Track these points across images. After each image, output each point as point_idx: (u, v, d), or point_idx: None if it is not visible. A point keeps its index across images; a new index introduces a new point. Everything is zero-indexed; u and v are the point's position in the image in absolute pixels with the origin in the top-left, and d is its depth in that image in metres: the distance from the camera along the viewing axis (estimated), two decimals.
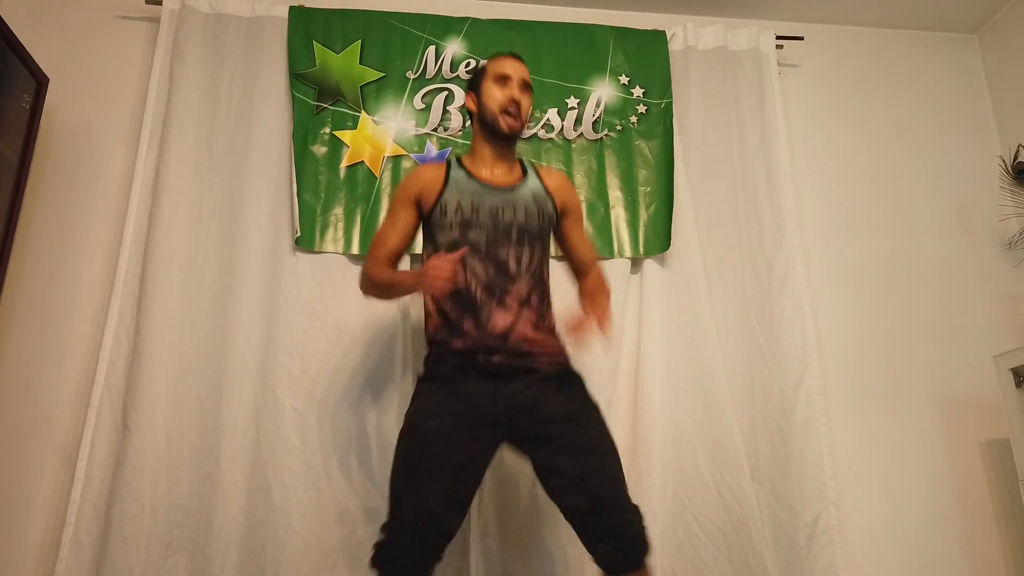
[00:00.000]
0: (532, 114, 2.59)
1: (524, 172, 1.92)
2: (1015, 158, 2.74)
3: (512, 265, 1.78)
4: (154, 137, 2.43)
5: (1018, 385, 2.26)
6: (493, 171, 1.89)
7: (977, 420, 2.55)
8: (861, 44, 3.03)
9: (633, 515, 1.66)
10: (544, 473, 1.71)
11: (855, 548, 2.35)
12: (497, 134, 1.87)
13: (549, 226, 1.89)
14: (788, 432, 2.39)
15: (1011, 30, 2.91)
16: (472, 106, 1.92)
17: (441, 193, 1.83)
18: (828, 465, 2.36)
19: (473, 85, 1.94)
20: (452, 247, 1.78)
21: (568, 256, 2.02)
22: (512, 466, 2.25)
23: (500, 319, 1.74)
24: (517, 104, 1.85)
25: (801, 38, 2.87)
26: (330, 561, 2.09)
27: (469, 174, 1.87)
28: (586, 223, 2.50)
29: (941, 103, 2.98)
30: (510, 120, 1.85)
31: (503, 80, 1.88)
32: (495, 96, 1.86)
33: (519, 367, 1.73)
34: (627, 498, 1.68)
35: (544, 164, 2.54)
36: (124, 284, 2.27)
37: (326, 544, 2.10)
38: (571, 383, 1.80)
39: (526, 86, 1.90)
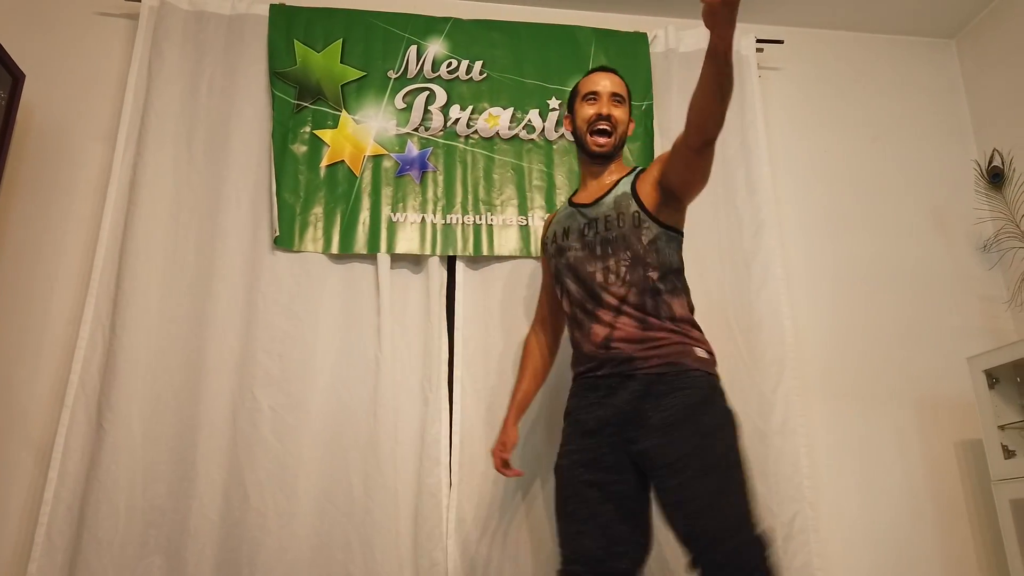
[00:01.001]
0: (514, 114, 2.60)
1: (619, 180, 1.89)
2: (990, 162, 2.77)
3: (600, 277, 1.78)
4: (132, 135, 2.42)
5: (991, 387, 2.29)
6: (588, 190, 1.92)
7: (952, 420, 2.58)
8: (840, 48, 3.06)
9: (742, 548, 1.49)
10: (655, 495, 1.63)
11: (831, 548, 2.37)
12: (590, 154, 1.90)
13: (636, 223, 1.79)
14: (766, 432, 2.40)
15: (988, 35, 2.94)
16: (569, 127, 1.98)
17: (547, 231, 2.00)
18: (805, 465, 2.38)
19: (569, 107, 2.00)
20: (555, 276, 1.91)
21: (681, 171, 1.75)
22: (491, 465, 2.26)
23: (598, 331, 1.75)
24: (606, 117, 1.87)
25: (781, 41, 2.89)
26: (306, 562, 2.08)
27: (570, 202, 1.96)
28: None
29: (919, 107, 3.01)
30: (599, 139, 1.87)
31: (592, 97, 1.90)
32: (584, 115, 1.90)
33: (624, 374, 1.69)
34: (734, 526, 1.50)
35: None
36: (100, 282, 2.25)
37: (302, 545, 2.09)
38: (676, 384, 1.64)
39: (617, 99, 1.90)
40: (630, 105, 1.96)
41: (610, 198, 1.85)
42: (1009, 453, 2.22)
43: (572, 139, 2.57)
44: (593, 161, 1.91)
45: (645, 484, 1.67)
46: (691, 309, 1.84)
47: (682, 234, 1.87)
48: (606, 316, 1.75)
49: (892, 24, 3.07)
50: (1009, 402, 2.28)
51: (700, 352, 1.71)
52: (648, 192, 1.81)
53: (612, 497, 1.65)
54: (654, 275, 1.75)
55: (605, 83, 1.90)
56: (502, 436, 1.99)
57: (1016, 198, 2.60)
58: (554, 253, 1.92)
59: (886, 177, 2.88)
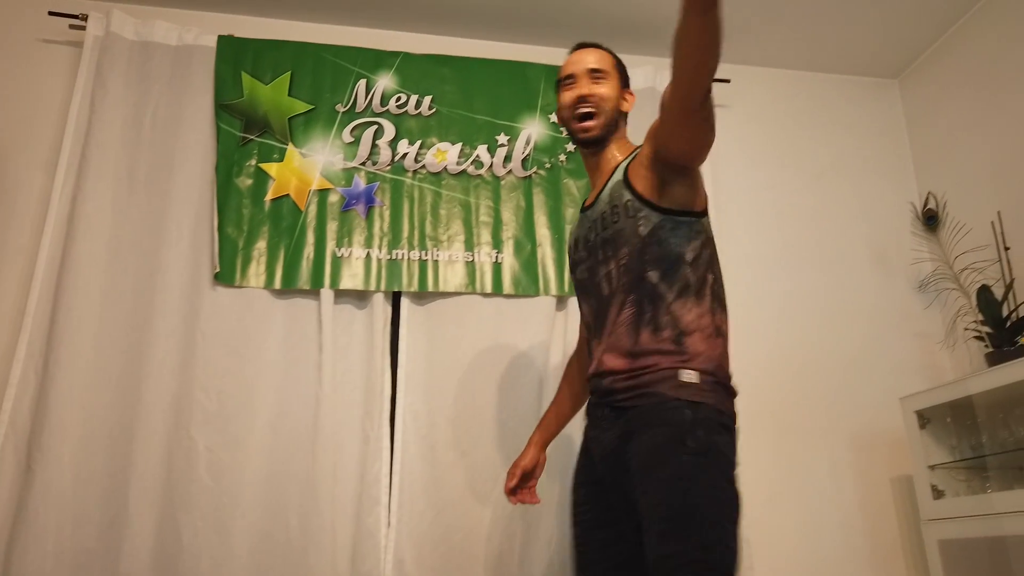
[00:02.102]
0: (462, 149, 2.61)
1: (617, 167, 1.61)
2: (925, 205, 2.84)
3: (605, 288, 1.54)
4: (72, 165, 2.38)
5: (922, 427, 2.34)
6: (594, 188, 1.67)
7: (887, 456, 2.63)
8: (787, 86, 3.12)
9: None
10: None
11: None
12: (580, 143, 1.66)
13: (630, 214, 1.52)
14: None
15: (930, 76, 3.02)
16: (561, 123, 1.72)
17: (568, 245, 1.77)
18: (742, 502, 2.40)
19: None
20: (575, 290, 1.70)
21: (682, 134, 1.46)
22: (431, 504, 2.25)
23: (597, 354, 1.54)
24: (586, 98, 1.61)
25: (728, 80, 2.94)
26: None
27: (583, 207, 1.70)
28: (512, 260, 2.52)
29: (862, 146, 3.07)
30: (583, 123, 1.62)
31: (570, 81, 1.66)
32: (564, 102, 1.66)
33: (614, 406, 1.49)
34: None
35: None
36: (34, 317, 2.21)
37: None
38: (651, 420, 1.41)
39: (597, 74, 1.63)
40: (624, 76, 1.69)
41: (606, 193, 1.59)
42: (939, 493, 2.27)
43: (521, 175, 2.62)
44: (588, 150, 1.66)
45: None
46: (716, 301, 1.53)
47: (699, 214, 1.54)
48: (607, 333, 1.52)
49: (837, 63, 3.14)
50: (940, 442, 2.34)
51: (686, 376, 1.42)
52: (642, 174, 1.52)
53: (623, 544, 1.50)
54: (654, 275, 1.48)
55: (583, 60, 1.65)
56: (518, 458, 1.81)
57: (950, 241, 2.67)
58: (573, 266, 1.69)
59: (829, 214, 2.94)
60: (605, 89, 1.63)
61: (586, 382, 1.65)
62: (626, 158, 1.61)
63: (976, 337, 2.48)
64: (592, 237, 1.60)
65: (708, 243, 1.56)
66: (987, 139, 2.68)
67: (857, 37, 2.97)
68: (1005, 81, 2.63)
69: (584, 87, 1.62)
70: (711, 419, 1.40)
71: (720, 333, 1.52)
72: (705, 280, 1.52)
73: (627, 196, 1.53)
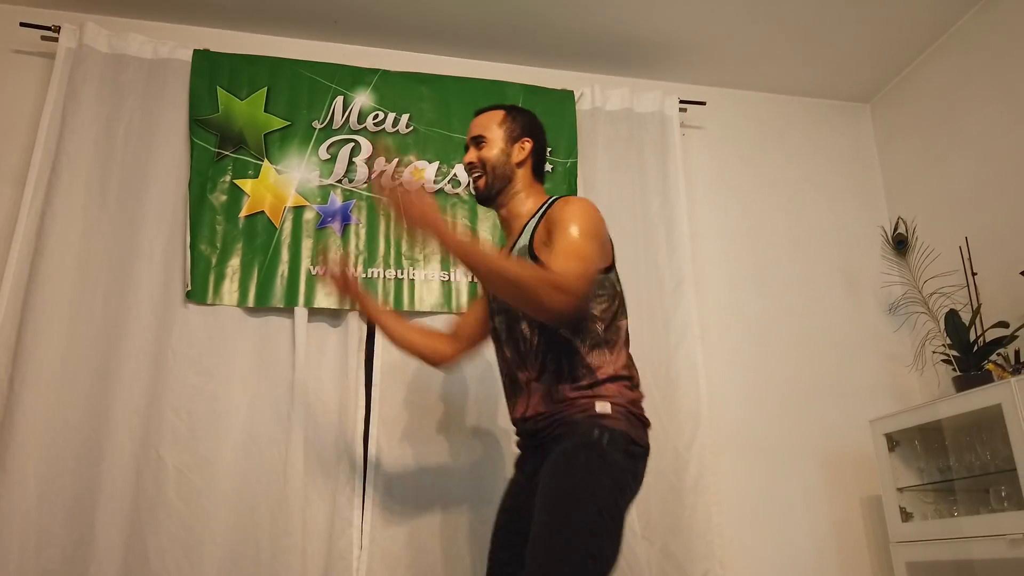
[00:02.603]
0: (439, 168, 2.61)
1: (526, 225, 1.71)
2: (895, 229, 2.89)
3: (522, 345, 1.65)
4: (42, 179, 2.34)
5: (891, 449, 2.37)
6: (505, 246, 1.78)
7: (857, 477, 2.66)
8: (760, 109, 3.16)
9: None
10: None
11: None
12: (478, 201, 1.81)
13: None
14: (680, 489, 2.44)
15: (901, 100, 3.08)
16: None
17: None
18: (717, 523, 2.42)
19: None
20: (493, 335, 1.78)
21: None
22: (404, 526, 2.24)
23: (519, 404, 1.66)
24: (470, 165, 1.77)
25: (703, 103, 2.98)
26: None
27: None
28: None
29: (833, 169, 3.12)
30: (474, 185, 1.78)
31: (466, 147, 1.81)
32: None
33: (538, 443, 1.60)
34: None
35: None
36: (0, 332, 2.17)
37: None
38: (568, 437, 1.52)
39: (478, 140, 1.77)
40: (515, 127, 1.78)
41: (515, 252, 1.69)
42: (907, 515, 2.29)
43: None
44: (489, 208, 1.80)
45: None
46: (627, 347, 1.65)
47: (605, 271, 1.63)
48: (526, 384, 1.64)
49: (809, 87, 3.19)
50: (908, 465, 2.37)
51: (600, 406, 1.53)
52: (545, 249, 1.60)
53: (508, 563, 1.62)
54: (566, 332, 1.58)
55: (469, 130, 1.81)
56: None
57: (919, 265, 2.71)
58: (490, 316, 1.79)
59: (800, 237, 2.98)
60: (485, 152, 1.76)
61: (442, 360, 1.94)
62: (533, 216, 1.70)
63: (944, 360, 2.52)
64: None
65: (616, 296, 1.67)
66: (955, 165, 2.73)
67: (830, 61, 3.03)
68: (974, 107, 2.69)
69: (470, 155, 1.78)
70: (618, 440, 1.50)
71: (632, 378, 1.63)
72: (618, 329, 1.64)
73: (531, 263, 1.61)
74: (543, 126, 1.86)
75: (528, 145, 1.79)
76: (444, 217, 1.52)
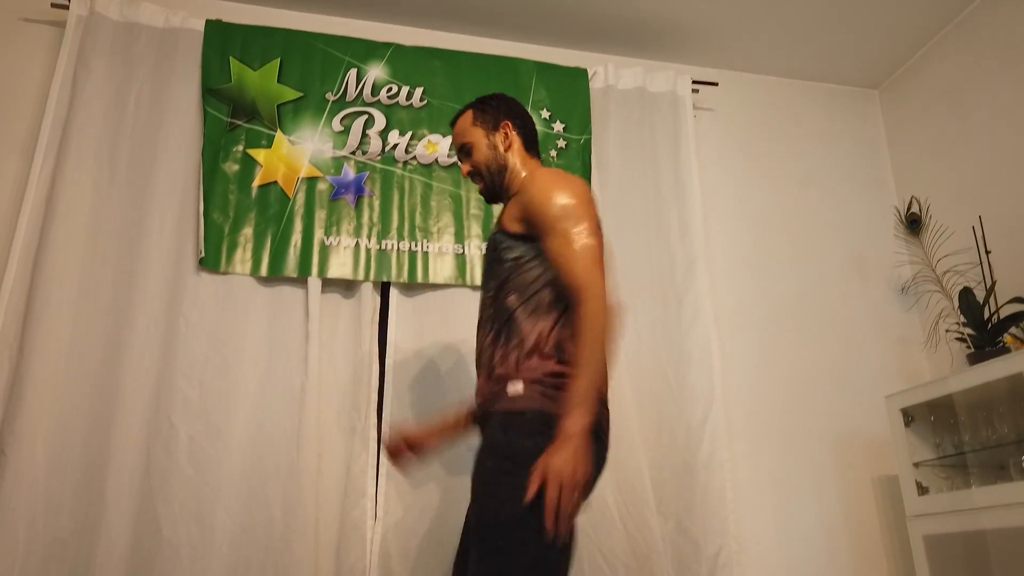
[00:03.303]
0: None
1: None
2: (908, 209, 2.90)
3: (485, 326, 1.62)
4: (51, 147, 2.30)
5: (907, 424, 2.37)
6: None
7: (868, 458, 2.65)
8: (771, 93, 3.16)
9: None
10: None
11: None
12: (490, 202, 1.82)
13: (498, 259, 1.62)
14: (693, 466, 2.42)
15: (909, 87, 3.09)
16: None
17: None
18: (730, 499, 2.41)
19: None
20: None
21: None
22: (418, 498, 2.21)
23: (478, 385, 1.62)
24: (468, 174, 1.79)
25: (716, 84, 2.97)
26: None
27: None
28: None
29: (843, 154, 3.12)
30: (480, 192, 1.80)
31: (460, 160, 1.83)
32: None
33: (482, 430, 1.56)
34: None
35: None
36: (9, 301, 2.13)
37: None
38: (489, 426, 1.50)
39: (464, 151, 1.79)
40: (491, 119, 1.77)
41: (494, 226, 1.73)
42: (923, 490, 2.29)
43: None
44: (506, 200, 1.76)
45: None
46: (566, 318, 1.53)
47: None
48: (482, 366, 1.61)
49: (819, 73, 3.20)
50: (924, 440, 2.36)
51: (512, 388, 1.47)
52: (510, 213, 1.64)
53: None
54: (512, 298, 1.56)
55: (453, 143, 1.82)
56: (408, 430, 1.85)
57: (932, 244, 2.71)
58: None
59: (811, 220, 2.98)
60: (475, 157, 1.76)
61: None
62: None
63: (958, 339, 2.52)
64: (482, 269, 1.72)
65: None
66: (968, 146, 2.74)
67: (839, 47, 3.04)
68: (985, 91, 2.70)
69: (464, 167, 1.79)
70: (530, 424, 1.42)
71: (566, 351, 1.50)
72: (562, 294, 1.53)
73: (497, 234, 1.65)
74: (516, 101, 1.83)
75: (508, 127, 1.77)
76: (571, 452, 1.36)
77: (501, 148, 1.75)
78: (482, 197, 1.86)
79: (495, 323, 1.58)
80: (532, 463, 1.33)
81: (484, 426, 1.55)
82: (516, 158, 1.75)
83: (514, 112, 1.79)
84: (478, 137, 1.76)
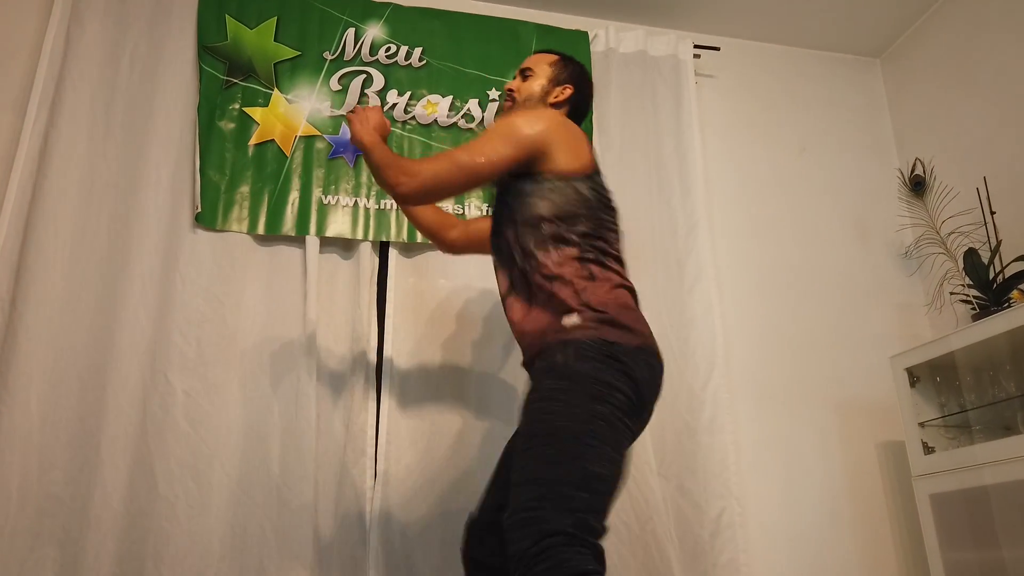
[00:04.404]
0: (452, 103, 2.56)
1: None
2: (912, 171, 2.87)
3: (503, 259, 1.66)
4: (44, 103, 2.25)
5: (912, 385, 2.34)
6: None
7: (872, 423, 2.63)
8: (773, 60, 3.13)
9: (528, 525, 1.24)
10: None
11: (754, 544, 2.37)
12: None
13: (505, 191, 1.67)
14: (695, 428, 2.40)
15: (910, 56, 3.06)
16: None
17: None
18: (732, 462, 2.38)
19: None
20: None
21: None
22: (418, 458, 2.19)
23: (512, 326, 1.64)
24: (508, 89, 1.86)
25: (718, 48, 2.94)
26: (216, 555, 1.96)
27: None
28: None
29: (844, 121, 3.10)
30: (502, 108, 1.90)
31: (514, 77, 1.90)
32: None
33: (526, 365, 1.60)
34: (534, 499, 1.27)
35: None
36: (2, 255, 2.09)
37: (213, 537, 1.97)
38: (538, 371, 1.49)
39: (524, 72, 1.86)
40: (562, 73, 1.84)
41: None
42: (929, 449, 2.27)
43: None
44: None
45: None
46: (591, 251, 1.57)
47: (568, 175, 1.62)
48: (508, 311, 1.64)
49: (821, 41, 3.17)
50: (929, 400, 2.34)
51: (569, 320, 1.48)
52: None
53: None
54: (523, 236, 1.60)
55: (521, 64, 1.90)
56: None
57: (936, 205, 2.69)
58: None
59: (812, 187, 2.95)
60: (527, 84, 1.83)
61: (443, 242, 1.98)
62: None
63: (963, 301, 2.50)
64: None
65: (575, 192, 1.61)
66: (972, 108, 2.71)
67: (841, 16, 3.02)
68: (988, 54, 2.68)
69: (512, 82, 1.87)
70: (588, 349, 1.43)
71: (589, 267, 1.55)
72: (571, 224, 1.58)
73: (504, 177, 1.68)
74: (591, 83, 1.91)
75: (568, 91, 1.83)
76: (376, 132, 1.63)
77: (549, 100, 1.81)
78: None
79: (515, 264, 1.60)
80: (591, 387, 1.38)
81: (536, 357, 1.53)
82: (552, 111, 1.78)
83: (583, 88, 1.87)
84: (542, 74, 1.84)
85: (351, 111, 1.69)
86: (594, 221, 1.61)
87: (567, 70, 1.86)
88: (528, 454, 1.35)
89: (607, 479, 1.34)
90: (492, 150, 1.58)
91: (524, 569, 1.21)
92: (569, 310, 1.48)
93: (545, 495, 1.27)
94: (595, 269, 1.55)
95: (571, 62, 1.88)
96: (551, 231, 1.57)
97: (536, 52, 1.93)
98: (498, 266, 1.69)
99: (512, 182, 1.65)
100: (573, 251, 1.55)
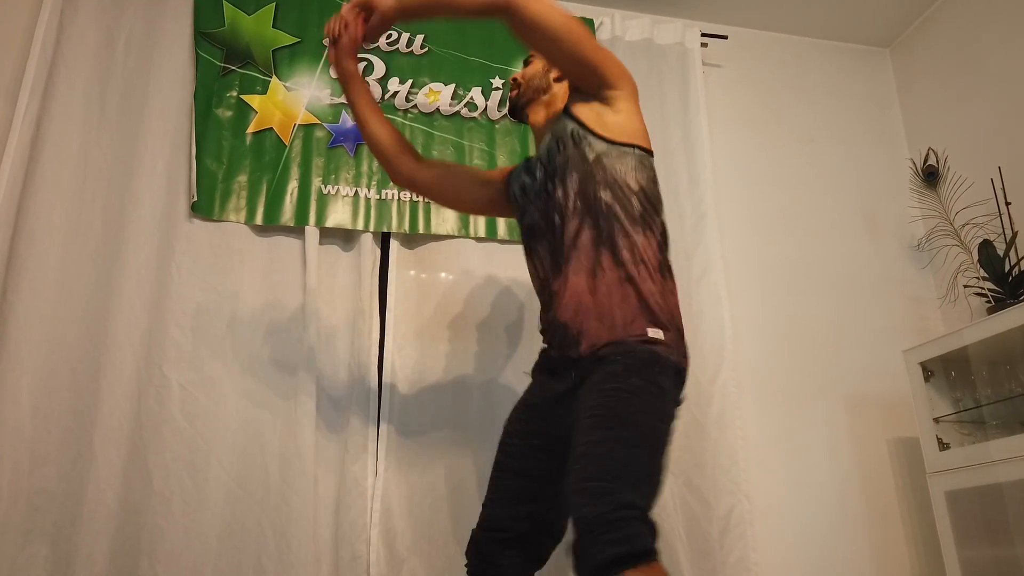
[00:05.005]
0: (455, 91, 2.50)
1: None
2: (925, 161, 2.82)
3: (557, 219, 1.53)
4: (36, 89, 2.20)
5: (927, 379, 2.29)
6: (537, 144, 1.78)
7: (883, 418, 2.58)
8: (781, 50, 3.08)
9: (604, 498, 1.20)
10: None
11: (764, 542, 2.31)
12: (510, 112, 1.84)
13: (578, 142, 1.55)
14: (703, 424, 2.35)
15: (920, 46, 3.01)
16: None
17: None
18: (742, 458, 2.33)
19: None
20: (525, 240, 1.69)
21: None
22: (420, 452, 2.13)
23: (558, 293, 1.51)
24: (514, 79, 1.80)
25: (725, 37, 2.89)
26: (213, 553, 1.90)
27: (526, 159, 1.80)
28: None
29: (854, 112, 3.04)
30: (508, 98, 1.81)
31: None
32: None
33: (567, 359, 1.48)
34: (609, 474, 1.23)
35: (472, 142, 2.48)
36: None
37: (210, 534, 1.91)
38: (602, 371, 1.39)
39: (525, 61, 1.82)
40: None
41: (548, 133, 1.66)
42: (944, 445, 2.21)
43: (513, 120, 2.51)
44: (521, 118, 1.80)
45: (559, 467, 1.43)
46: (664, 239, 1.55)
47: (643, 149, 1.58)
48: (560, 276, 1.51)
49: (830, 30, 3.11)
50: (943, 395, 2.29)
51: (656, 333, 1.41)
52: (582, 107, 1.59)
53: (532, 478, 1.57)
54: (606, 195, 1.49)
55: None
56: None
57: (950, 196, 2.64)
58: (520, 219, 1.72)
59: (821, 178, 2.90)
60: (529, 69, 1.78)
61: (399, 173, 1.81)
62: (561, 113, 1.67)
63: (977, 293, 2.44)
64: (539, 176, 1.63)
65: (654, 180, 1.60)
66: (985, 97, 2.66)
67: (849, 5, 2.96)
68: (1000, 42, 2.62)
69: (518, 72, 1.81)
70: (665, 366, 1.41)
71: (664, 272, 1.52)
72: (655, 214, 1.55)
73: (571, 126, 1.58)
74: None
75: (555, 73, 1.76)
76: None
77: (552, 75, 1.74)
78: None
79: (587, 218, 1.50)
80: (664, 401, 1.38)
81: (568, 354, 1.48)
82: (559, 92, 1.73)
83: None
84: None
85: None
86: (662, 210, 1.59)
87: None
88: (607, 432, 1.30)
89: (662, 481, 1.34)
90: (597, 49, 1.57)
91: (593, 534, 1.17)
92: (653, 317, 1.42)
93: (623, 473, 1.24)
94: (667, 272, 1.52)
95: None
96: (641, 210, 1.50)
97: None
98: (548, 232, 1.56)
99: (595, 140, 1.54)
100: (654, 242, 1.50)
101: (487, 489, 1.61)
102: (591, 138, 1.55)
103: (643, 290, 1.44)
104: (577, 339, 1.45)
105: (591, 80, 1.58)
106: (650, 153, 1.61)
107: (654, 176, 1.60)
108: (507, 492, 1.58)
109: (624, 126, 1.57)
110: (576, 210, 1.51)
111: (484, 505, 1.61)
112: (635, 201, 1.51)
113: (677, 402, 1.46)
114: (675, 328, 1.47)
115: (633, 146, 1.56)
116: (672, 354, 1.43)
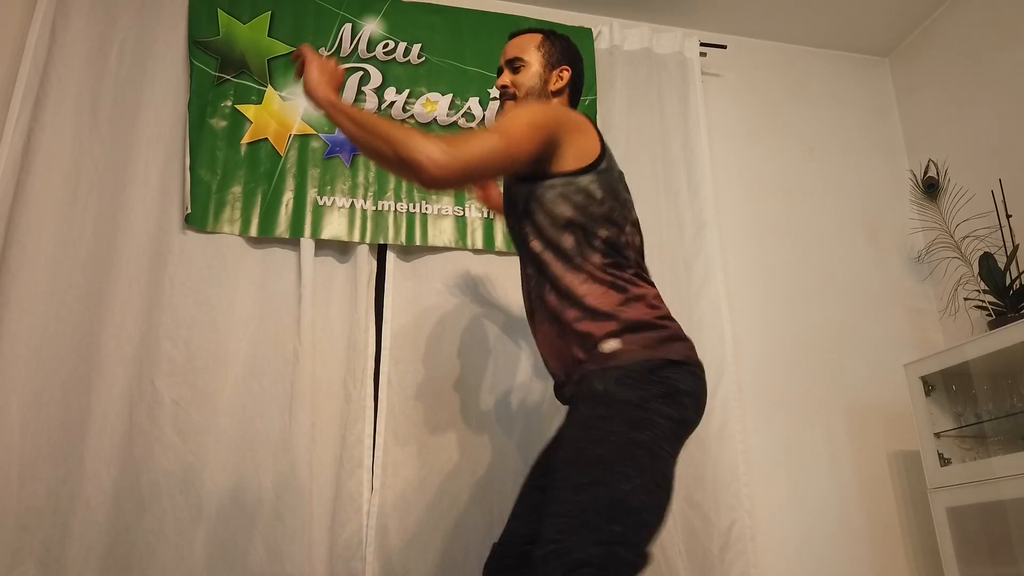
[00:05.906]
0: (452, 101, 2.48)
1: None
2: (925, 172, 2.80)
3: (528, 269, 1.55)
4: (28, 98, 2.16)
5: (927, 394, 2.27)
6: None
7: (884, 431, 2.56)
8: (780, 59, 3.06)
9: (558, 558, 1.19)
10: None
11: (764, 558, 2.29)
12: None
13: (513, 196, 1.54)
14: (704, 437, 2.32)
15: (920, 55, 3.00)
16: None
17: None
18: (743, 472, 2.30)
19: None
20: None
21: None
22: (419, 464, 2.10)
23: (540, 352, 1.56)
24: (503, 87, 1.68)
25: (724, 47, 2.87)
26: (206, 572, 1.87)
27: None
28: None
29: (853, 122, 3.03)
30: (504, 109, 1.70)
31: (499, 71, 1.72)
32: None
33: (564, 399, 1.52)
34: (565, 529, 1.21)
35: None
36: None
37: (203, 553, 1.88)
38: (576, 400, 1.41)
39: (514, 64, 1.68)
40: (555, 54, 1.68)
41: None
42: (945, 461, 2.19)
43: None
44: None
45: None
46: (614, 255, 1.47)
47: (559, 177, 1.47)
48: (536, 317, 1.55)
49: (830, 40, 3.10)
50: (944, 410, 2.27)
51: (608, 345, 1.37)
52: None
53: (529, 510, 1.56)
54: (536, 245, 1.48)
55: (504, 53, 1.71)
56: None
57: (950, 208, 2.62)
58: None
59: (821, 188, 2.88)
60: (521, 77, 1.66)
61: None
62: None
63: (978, 306, 2.42)
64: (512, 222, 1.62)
65: (588, 192, 1.47)
66: (986, 109, 2.64)
67: (849, 14, 2.95)
68: (1000, 54, 2.61)
69: (504, 78, 1.68)
70: (629, 375, 1.35)
71: (620, 285, 1.44)
72: (593, 235, 1.46)
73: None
74: (581, 56, 1.75)
75: (567, 74, 1.69)
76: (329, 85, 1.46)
77: (550, 88, 1.67)
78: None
79: (539, 269, 1.50)
80: (629, 412, 1.31)
81: (576, 384, 1.44)
82: (555, 102, 1.68)
83: (576, 63, 1.72)
84: (535, 61, 1.67)
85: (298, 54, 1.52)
86: (610, 220, 1.48)
87: (558, 48, 1.70)
88: (561, 484, 1.28)
89: (645, 510, 1.26)
90: (522, 136, 1.40)
91: None
92: (606, 334, 1.38)
93: (573, 526, 1.21)
94: (623, 279, 1.44)
95: (557, 38, 1.72)
96: (573, 242, 1.45)
97: (513, 36, 1.72)
98: (525, 278, 1.59)
99: (516, 184, 1.53)
100: (596, 259, 1.45)
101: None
102: (517, 186, 1.52)
103: (596, 320, 1.40)
104: (561, 382, 1.51)
105: (532, 166, 1.46)
106: (587, 168, 1.48)
107: (589, 186, 1.47)
108: (527, 507, 1.55)
109: (550, 160, 1.48)
110: (531, 264, 1.53)
111: (508, 519, 1.59)
112: (565, 236, 1.46)
113: (673, 388, 1.36)
114: (640, 325, 1.40)
115: (556, 175, 1.47)
116: (637, 353, 1.36)
